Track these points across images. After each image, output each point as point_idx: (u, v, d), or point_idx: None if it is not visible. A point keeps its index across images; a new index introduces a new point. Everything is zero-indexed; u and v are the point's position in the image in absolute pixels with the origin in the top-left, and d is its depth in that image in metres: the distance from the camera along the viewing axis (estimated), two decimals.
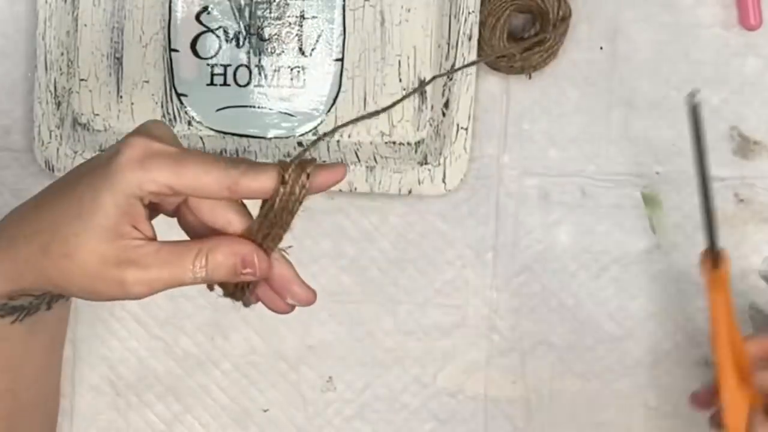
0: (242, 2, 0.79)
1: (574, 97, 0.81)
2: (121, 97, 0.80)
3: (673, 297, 0.81)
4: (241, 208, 0.60)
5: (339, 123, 0.80)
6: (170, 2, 0.79)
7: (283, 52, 0.80)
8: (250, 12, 0.80)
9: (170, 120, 0.80)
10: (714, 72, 0.81)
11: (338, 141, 0.80)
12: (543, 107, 0.81)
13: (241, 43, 0.80)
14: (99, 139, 0.79)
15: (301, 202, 0.58)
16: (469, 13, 0.78)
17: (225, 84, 0.80)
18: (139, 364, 0.81)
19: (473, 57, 0.78)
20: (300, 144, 0.80)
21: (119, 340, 0.81)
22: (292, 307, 0.61)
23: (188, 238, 0.61)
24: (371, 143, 0.80)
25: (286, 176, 0.57)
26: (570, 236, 0.81)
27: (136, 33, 0.80)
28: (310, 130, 0.80)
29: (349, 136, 0.80)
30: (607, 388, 0.81)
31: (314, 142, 0.65)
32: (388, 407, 0.82)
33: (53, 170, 0.78)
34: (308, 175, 0.57)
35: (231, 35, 0.80)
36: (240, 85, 0.80)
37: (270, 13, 0.80)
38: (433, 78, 0.78)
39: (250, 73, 0.80)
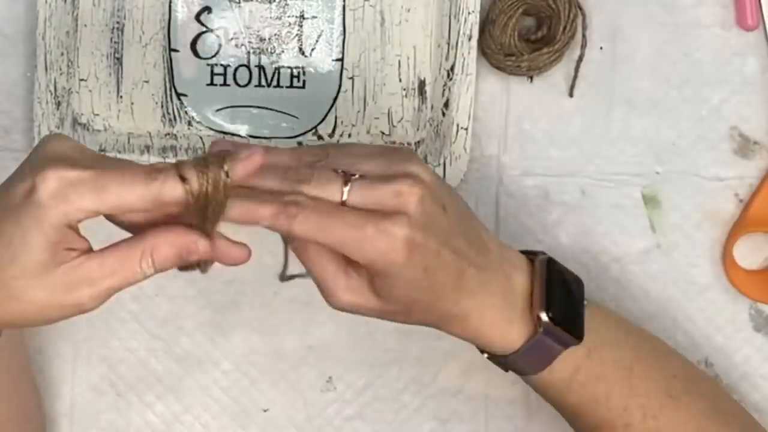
0: (242, 2, 0.79)
1: (575, 97, 0.81)
2: (121, 97, 0.80)
3: (673, 297, 0.81)
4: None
5: (339, 123, 0.80)
6: (170, 2, 0.79)
7: (283, 52, 0.80)
8: (250, 12, 0.80)
9: (170, 120, 0.80)
10: (714, 72, 0.81)
11: (338, 141, 0.80)
12: (543, 107, 0.81)
13: (241, 43, 0.80)
14: (99, 139, 0.79)
15: (225, 192, 0.58)
16: (469, 13, 0.78)
17: (225, 84, 0.80)
18: (139, 364, 0.81)
19: (473, 57, 0.78)
20: (300, 144, 0.80)
21: (119, 340, 0.81)
22: (248, 254, 0.62)
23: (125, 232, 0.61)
24: (371, 143, 0.80)
25: (196, 180, 0.57)
26: (570, 236, 0.81)
27: (136, 33, 0.80)
28: (310, 130, 0.80)
29: (350, 136, 0.80)
30: None
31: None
32: (388, 407, 0.82)
33: None
34: (226, 170, 0.58)
35: (231, 35, 0.80)
36: (240, 85, 0.80)
37: (270, 13, 0.80)
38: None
39: (250, 73, 0.80)
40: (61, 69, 0.78)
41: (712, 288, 0.81)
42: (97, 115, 0.80)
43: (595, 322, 0.69)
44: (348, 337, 0.81)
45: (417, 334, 0.81)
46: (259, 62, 0.80)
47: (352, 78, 0.80)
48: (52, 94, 0.78)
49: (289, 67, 0.80)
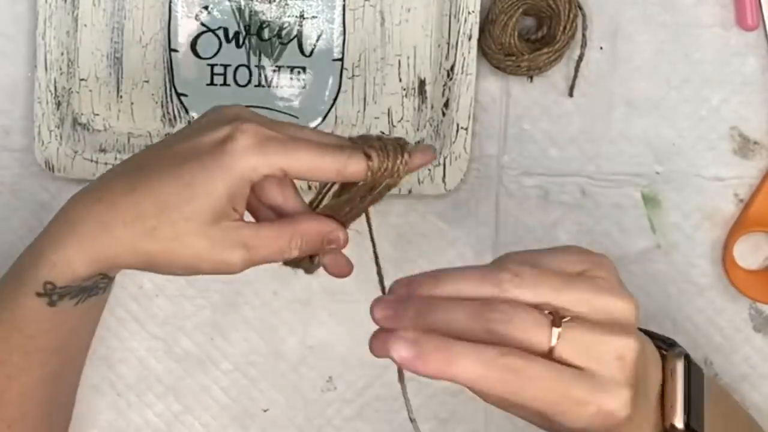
0: (242, 2, 0.79)
1: (574, 96, 0.81)
2: (121, 97, 0.80)
3: (673, 297, 0.81)
4: (296, 188, 0.65)
5: (339, 123, 0.80)
6: (170, 2, 0.79)
7: (283, 52, 0.80)
8: (250, 12, 0.80)
9: (170, 120, 0.80)
10: (714, 72, 0.81)
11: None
12: (543, 107, 0.81)
13: (241, 43, 0.80)
14: (99, 139, 0.79)
15: (393, 184, 0.62)
16: (469, 13, 0.78)
17: (225, 84, 0.80)
18: (139, 364, 0.81)
19: (473, 57, 0.78)
20: None
21: (119, 340, 0.81)
22: (351, 269, 0.66)
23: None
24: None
25: (378, 161, 0.61)
26: (570, 236, 0.81)
27: (136, 33, 0.80)
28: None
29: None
30: None
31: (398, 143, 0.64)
32: (388, 407, 0.82)
33: (53, 170, 0.78)
34: (405, 159, 0.61)
35: (231, 35, 0.80)
36: (240, 85, 0.80)
37: (270, 13, 0.80)
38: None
39: (250, 73, 0.80)
40: (61, 69, 0.78)
41: (712, 288, 0.81)
42: (97, 115, 0.80)
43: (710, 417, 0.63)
44: (348, 337, 0.81)
45: None
46: (259, 62, 0.80)
47: (352, 78, 0.80)
48: (52, 94, 0.78)
49: (289, 67, 0.80)
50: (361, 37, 0.80)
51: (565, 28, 0.78)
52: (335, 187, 0.65)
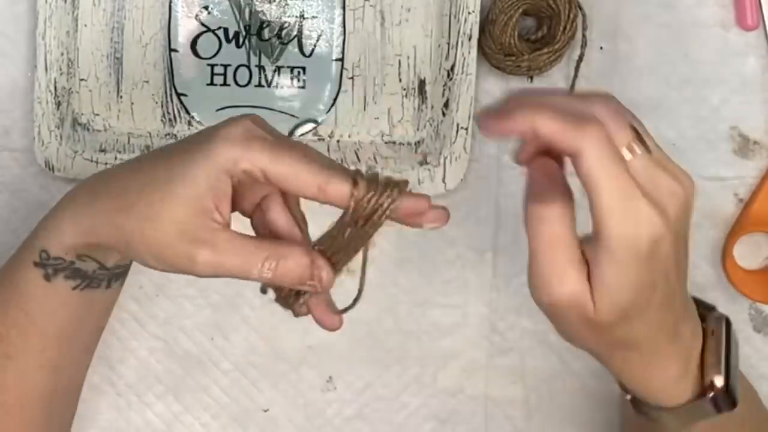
0: (242, 2, 0.79)
1: None
2: (121, 97, 0.80)
3: None
4: (304, 221, 0.63)
5: (339, 123, 0.80)
6: (170, 2, 0.79)
7: (282, 52, 0.80)
8: (250, 12, 0.80)
9: (170, 120, 0.80)
10: (714, 72, 0.81)
11: (338, 141, 0.80)
12: None
13: (241, 43, 0.80)
14: (99, 139, 0.79)
15: (382, 220, 0.58)
16: (469, 13, 0.78)
17: (225, 84, 0.80)
18: (139, 364, 0.81)
19: (473, 57, 0.78)
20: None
21: (119, 340, 0.81)
22: (340, 323, 0.63)
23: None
24: (371, 143, 0.80)
25: (364, 190, 0.57)
26: None
27: (136, 33, 0.80)
28: (310, 130, 0.80)
29: (350, 136, 0.80)
30: (607, 388, 0.81)
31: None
32: (388, 407, 0.82)
33: (53, 170, 0.78)
34: (395, 195, 0.57)
35: (231, 35, 0.80)
36: (240, 85, 0.80)
37: (270, 13, 0.80)
38: None
39: (250, 73, 0.80)
40: (61, 69, 0.78)
41: (712, 288, 0.81)
42: (97, 115, 0.80)
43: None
44: (348, 337, 0.81)
45: (417, 334, 0.82)
46: (259, 62, 0.80)
47: (352, 78, 0.80)
48: (52, 94, 0.78)
49: (289, 67, 0.80)
50: (361, 37, 0.80)
51: (565, 28, 0.78)
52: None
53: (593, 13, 0.80)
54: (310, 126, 0.80)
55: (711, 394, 0.61)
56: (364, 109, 0.80)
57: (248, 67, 0.80)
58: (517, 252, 0.81)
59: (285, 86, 0.80)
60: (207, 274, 0.59)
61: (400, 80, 0.80)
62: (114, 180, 0.63)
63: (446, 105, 0.79)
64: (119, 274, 0.69)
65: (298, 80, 0.80)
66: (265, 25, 0.80)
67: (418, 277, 0.81)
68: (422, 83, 0.80)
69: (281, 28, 0.80)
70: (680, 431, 0.64)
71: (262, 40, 0.80)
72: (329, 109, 0.80)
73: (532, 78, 0.80)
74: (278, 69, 0.80)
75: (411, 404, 0.82)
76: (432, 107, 0.80)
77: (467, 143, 0.78)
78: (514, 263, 0.81)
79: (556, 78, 0.81)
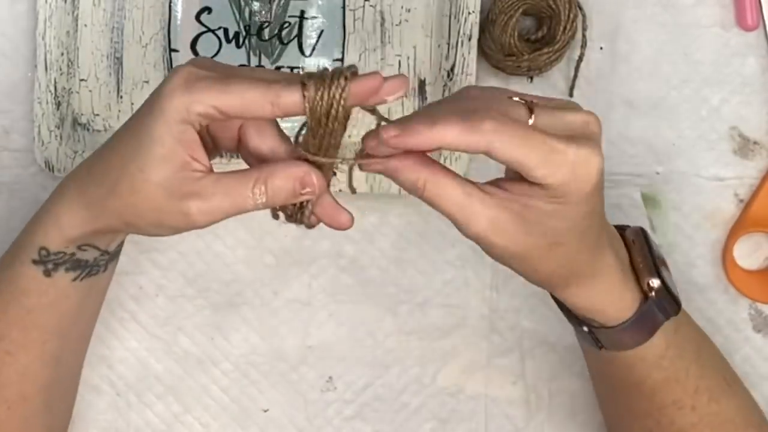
0: (242, 2, 0.79)
1: (574, 97, 0.81)
2: (121, 97, 0.80)
3: None
4: (284, 135, 0.62)
5: None
6: (170, 2, 0.79)
7: (283, 52, 0.80)
8: (250, 12, 0.80)
9: None
10: (714, 72, 0.81)
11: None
12: None
13: (241, 43, 0.80)
14: (99, 139, 0.79)
15: (341, 111, 0.58)
16: (469, 13, 0.78)
17: None
18: (139, 364, 0.81)
19: (473, 57, 0.78)
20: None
21: (119, 340, 0.81)
22: (351, 221, 0.62)
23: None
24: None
25: (314, 89, 0.57)
26: None
27: (136, 33, 0.80)
28: None
29: (350, 136, 0.80)
30: None
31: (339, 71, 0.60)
32: (388, 407, 0.82)
33: (53, 170, 0.78)
34: (343, 83, 0.57)
35: (231, 35, 0.80)
36: None
37: (270, 13, 0.80)
38: None
39: None
40: (61, 69, 0.78)
41: (712, 288, 0.81)
42: (97, 115, 0.80)
43: None
44: (348, 337, 0.81)
45: (417, 334, 0.82)
46: (259, 62, 0.80)
47: None
48: (52, 94, 0.78)
49: (289, 67, 0.80)
50: (361, 37, 0.80)
51: (565, 28, 0.78)
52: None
53: (593, 13, 0.80)
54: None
55: (653, 294, 0.65)
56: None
57: (248, 67, 0.80)
58: None
59: None
60: (207, 222, 0.60)
61: None
62: (95, 166, 0.63)
63: None
64: (116, 253, 0.69)
65: None
66: (265, 25, 0.80)
67: (419, 277, 0.81)
68: (422, 83, 0.80)
69: (281, 28, 0.80)
70: (652, 362, 0.67)
71: (262, 40, 0.80)
72: None
73: (532, 78, 0.80)
74: (278, 69, 0.80)
75: (411, 404, 0.82)
76: None
77: None
78: None
79: (556, 78, 0.81)
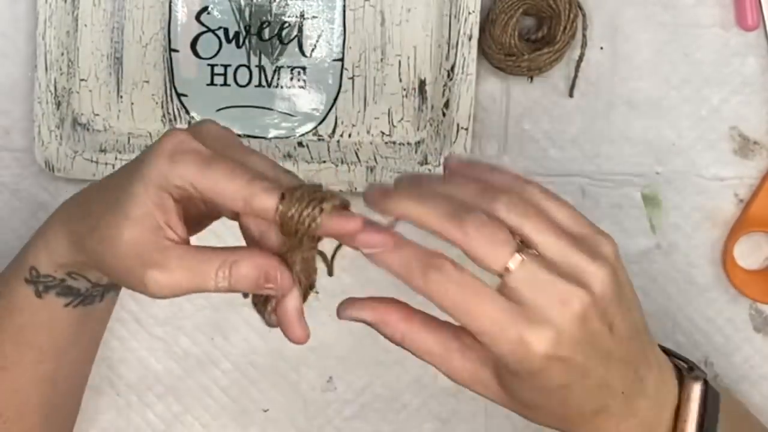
0: (242, 2, 0.79)
1: (574, 96, 0.81)
2: (121, 97, 0.80)
3: (673, 297, 0.81)
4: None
5: (339, 123, 0.80)
6: (170, 2, 0.79)
7: (283, 52, 0.80)
8: (250, 12, 0.80)
9: (170, 120, 0.80)
10: (714, 72, 0.81)
11: (338, 141, 0.80)
12: (543, 107, 0.81)
13: (241, 43, 0.80)
14: (99, 139, 0.79)
15: (306, 236, 0.56)
16: (469, 13, 0.78)
17: (225, 84, 0.80)
18: (139, 364, 0.81)
19: (473, 57, 0.78)
20: (300, 144, 0.80)
21: (119, 340, 0.81)
22: (307, 337, 0.60)
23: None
24: (371, 143, 0.80)
25: (287, 206, 0.55)
26: None
27: (136, 33, 0.80)
28: (311, 130, 0.80)
29: (350, 136, 0.80)
30: None
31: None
32: (388, 407, 0.82)
33: (53, 170, 0.78)
34: (315, 215, 0.55)
35: (231, 35, 0.80)
36: (240, 85, 0.80)
37: (270, 13, 0.80)
38: None
39: (250, 73, 0.80)
40: (61, 69, 0.78)
41: (712, 288, 0.81)
42: (97, 115, 0.80)
43: None
44: (348, 337, 0.81)
45: None
46: (259, 62, 0.80)
47: (352, 78, 0.80)
48: (52, 94, 0.78)
49: (289, 67, 0.80)
50: (361, 37, 0.80)
51: (565, 28, 0.78)
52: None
53: (593, 13, 0.80)
54: (310, 126, 0.80)
55: None
56: (364, 109, 0.80)
57: (248, 67, 0.80)
58: None
59: (285, 86, 0.80)
60: (164, 295, 0.57)
61: (400, 80, 0.80)
62: (83, 201, 0.63)
63: (446, 105, 0.79)
64: (112, 286, 0.68)
65: (298, 80, 0.80)
66: (265, 25, 0.80)
67: None
68: (422, 83, 0.80)
69: (281, 28, 0.80)
70: None
71: (262, 40, 0.80)
72: (329, 109, 0.80)
73: (532, 78, 0.80)
74: (278, 69, 0.80)
75: (411, 404, 0.82)
76: (432, 107, 0.80)
77: (467, 143, 0.78)
78: None
79: (556, 78, 0.81)
